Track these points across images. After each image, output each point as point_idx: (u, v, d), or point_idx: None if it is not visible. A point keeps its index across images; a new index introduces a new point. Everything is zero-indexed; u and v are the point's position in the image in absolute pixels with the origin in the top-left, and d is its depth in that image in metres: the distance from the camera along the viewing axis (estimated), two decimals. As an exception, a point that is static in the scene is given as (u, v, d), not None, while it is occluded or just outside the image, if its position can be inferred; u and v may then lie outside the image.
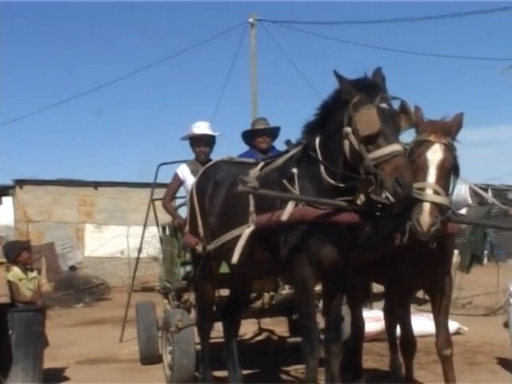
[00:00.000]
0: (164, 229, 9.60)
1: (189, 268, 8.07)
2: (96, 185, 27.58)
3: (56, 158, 46.53)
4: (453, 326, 9.43)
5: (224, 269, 7.14)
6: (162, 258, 10.50)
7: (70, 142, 49.79)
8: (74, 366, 10.16)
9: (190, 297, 8.21)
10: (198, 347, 7.79)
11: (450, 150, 5.64)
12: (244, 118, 27.02)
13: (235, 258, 6.05)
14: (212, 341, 7.89)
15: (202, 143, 8.65)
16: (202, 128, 8.72)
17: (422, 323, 9.56)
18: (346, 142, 5.40)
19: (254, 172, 6.14)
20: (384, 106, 5.33)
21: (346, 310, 7.80)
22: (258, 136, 8.48)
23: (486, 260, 17.85)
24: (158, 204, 10.29)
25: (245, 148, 8.64)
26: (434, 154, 5.58)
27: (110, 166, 47.97)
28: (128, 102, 51.37)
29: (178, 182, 8.62)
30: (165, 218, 10.12)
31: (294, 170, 5.83)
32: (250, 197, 6.06)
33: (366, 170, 5.25)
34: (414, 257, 5.97)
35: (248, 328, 8.78)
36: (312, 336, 5.87)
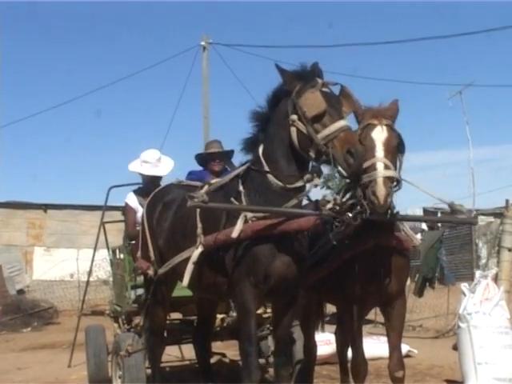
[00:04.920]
0: (114, 252, 9.51)
1: (139, 291, 8.00)
2: (45, 207, 27.29)
3: (5, 180, 45.90)
4: (403, 348, 9.46)
5: (176, 293, 7.10)
6: (112, 281, 10.39)
7: (19, 164, 49.12)
8: (21, 391, 9.98)
9: (141, 320, 8.13)
10: (149, 372, 7.71)
11: (392, 130, 5.82)
12: (196, 141, 26.97)
13: (185, 281, 6.02)
14: (162, 365, 7.84)
15: (149, 181, 8.59)
16: (151, 165, 8.61)
17: (373, 346, 9.59)
18: (293, 130, 5.46)
19: (201, 194, 6.04)
20: (326, 90, 5.48)
21: (298, 334, 7.78)
22: (212, 159, 8.42)
23: (436, 283, 18.04)
24: (109, 227, 10.22)
25: (197, 169, 8.61)
26: (379, 134, 5.75)
27: (60, 189, 47.41)
28: (79, 125, 51.00)
29: (132, 210, 8.54)
30: (115, 240, 10.04)
31: (240, 189, 5.81)
32: (198, 218, 6.05)
33: (317, 150, 5.31)
34: (368, 272, 6.00)
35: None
36: (250, 361, 5.80)
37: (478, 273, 8.52)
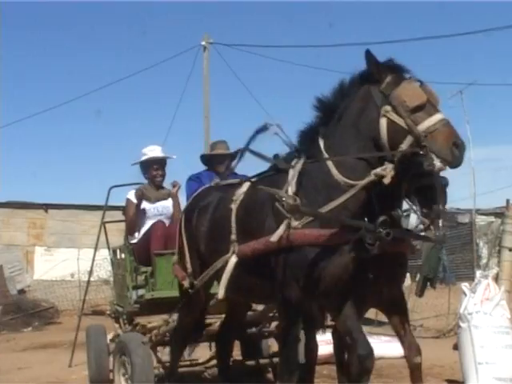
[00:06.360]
0: (115, 252, 9.51)
1: (141, 292, 7.98)
2: (46, 207, 27.30)
3: (5, 180, 45.95)
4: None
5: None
6: (112, 281, 10.39)
7: (19, 164, 49.18)
8: (22, 391, 9.99)
9: (142, 320, 8.12)
10: (156, 372, 7.71)
11: None
12: (197, 141, 27.02)
13: (221, 293, 5.93)
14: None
15: (159, 166, 8.64)
16: (157, 151, 8.70)
17: (374, 346, 9.57)
18: (383, 121, 5.17)
19: (240, 194, 5.99)
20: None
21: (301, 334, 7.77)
22: (218, 161, 8.38)
23: (437, 283, 18.04)
24: (109, 226, 10.22)
25: (197, 169, 8.62)
26: None
27: (60, 189, 47.44)
28: (79, 125, 51.04)
29: (133, 204, 8.57)
30: (116, 240, 10.05)
31: (290, 190, 5.42)
32: (233, 222, 5.88)
33: (417, 141, 5.03)
34: (370, 271, 5.81)
35: (202, 352, 8.72)
36: (291, 362, 5.78)
37: (478, 273, 8.52)
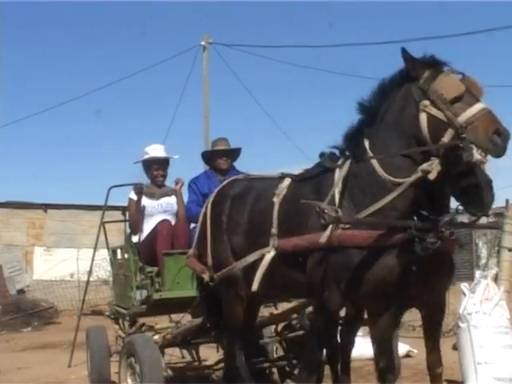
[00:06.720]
0: (114, 252, 9.49)
1: (145, 292, 7.95)
2: (45, 207, 27.28)
3: (5, 180, 45.86)
4: (403, 348, 9.47)
5: (182, 293, 7.07)
6: (112, 281, 10.37)
7: (19, 164, 49.18)
8: (21, 391, 9.99)
9: (147, 321, 8.11)
10: (164, 374, 7.68)
11: None
12: (196, 141, 27.03)
13: (255, 287, 5.81)
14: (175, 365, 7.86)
15: (161, 166, 8.64)
16: (159, 151, 8.70)
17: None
18: (423, 116, 5.08)
19: (283, 188, 5.92)
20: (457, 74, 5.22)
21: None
22: (219, 157, 8.40)
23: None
24: (109, 227, 10.22)
25: (197, 169, 8.64)
26: None
27: (60, 189, 47.45)
28: (79, 125, 51.03)
29: (135, 204, 8.59)
30: (116, 240, 10.05)
31: (338, 189, 5.40)
32: (274, 215, 5.82)
33: (457, 133, 4.92)
34: (414, 272, 5.64)
35: (210, 353, 8.71)
36: (314, 364, 5.80)
37: (477, 273, 8.51)
